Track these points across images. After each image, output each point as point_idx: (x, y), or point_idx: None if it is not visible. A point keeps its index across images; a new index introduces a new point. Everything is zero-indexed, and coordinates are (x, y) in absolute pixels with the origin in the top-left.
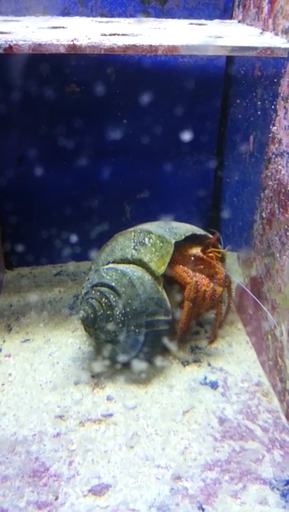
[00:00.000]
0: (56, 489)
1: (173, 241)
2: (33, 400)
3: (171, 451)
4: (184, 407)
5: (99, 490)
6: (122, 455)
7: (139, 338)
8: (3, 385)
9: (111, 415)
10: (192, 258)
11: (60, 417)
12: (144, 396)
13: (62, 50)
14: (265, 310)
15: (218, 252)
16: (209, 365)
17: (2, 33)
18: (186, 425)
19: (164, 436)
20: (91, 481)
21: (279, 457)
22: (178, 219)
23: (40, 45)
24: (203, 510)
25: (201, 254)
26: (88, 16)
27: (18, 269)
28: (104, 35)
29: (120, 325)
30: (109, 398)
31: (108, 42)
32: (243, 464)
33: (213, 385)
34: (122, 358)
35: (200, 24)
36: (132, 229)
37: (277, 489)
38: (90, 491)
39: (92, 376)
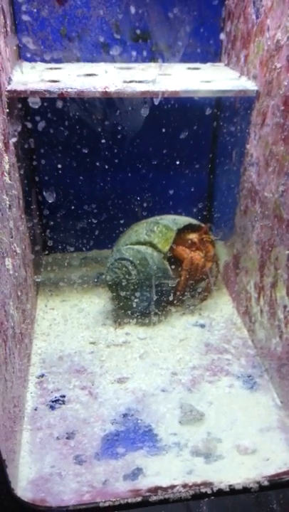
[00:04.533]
0: (93, 379)
1: (175, 228)
2: (73, 334)
3: (170, 360)
4: (180, 337)
5: (121, 380)
6: (137, 362)
7: (149, 295)
8: (51, 325)
9: (129, 342)
10: (189, 241)
11: (93, 342)
12: (152, 332)
13: (97, 95)
14: (240, 274)
15: (209, 238)
16: (200, 314)
17: (54, 81)
18: (181, 347)
19: (166, 352)
20: (116, 376)
21: (244, 362)
22: (180, 214)
23: (82, 91)
24: (190, 391)
25: (195, 238)
26: (110, 61)
27: (53, 254)
28: (126, 81)
29: (136, 286)
30: (127, 333)
31: (129, 89)
32: (219, 366)
33: (202, 326)
34: (136, 309)
35: (195, 68)
36: (144, 221)
37: (242, 379)
38: (115, 380)
39: (115, 321)
